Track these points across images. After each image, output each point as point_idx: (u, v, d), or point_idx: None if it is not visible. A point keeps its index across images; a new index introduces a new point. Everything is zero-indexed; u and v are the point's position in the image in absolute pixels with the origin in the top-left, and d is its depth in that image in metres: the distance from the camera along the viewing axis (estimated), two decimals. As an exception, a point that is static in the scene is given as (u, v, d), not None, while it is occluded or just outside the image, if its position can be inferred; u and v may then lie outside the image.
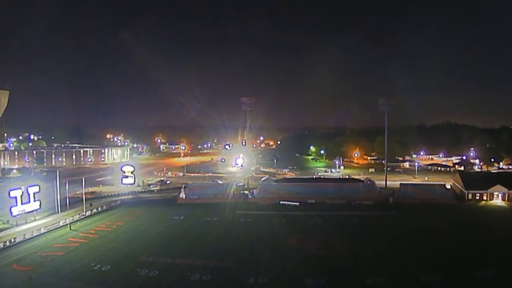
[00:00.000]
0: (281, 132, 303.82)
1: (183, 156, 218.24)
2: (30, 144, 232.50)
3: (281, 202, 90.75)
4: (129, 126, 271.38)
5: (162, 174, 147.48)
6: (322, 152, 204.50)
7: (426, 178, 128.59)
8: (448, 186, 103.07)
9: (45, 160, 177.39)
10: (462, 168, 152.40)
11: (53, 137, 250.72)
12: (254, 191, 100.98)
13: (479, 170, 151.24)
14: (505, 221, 76.18)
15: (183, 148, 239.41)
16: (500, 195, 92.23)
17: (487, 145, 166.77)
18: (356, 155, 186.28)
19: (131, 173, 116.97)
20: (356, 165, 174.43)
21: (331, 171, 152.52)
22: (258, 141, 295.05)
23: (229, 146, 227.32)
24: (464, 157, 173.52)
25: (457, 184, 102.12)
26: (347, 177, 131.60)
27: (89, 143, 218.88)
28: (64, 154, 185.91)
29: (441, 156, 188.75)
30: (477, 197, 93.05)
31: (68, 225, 70.83)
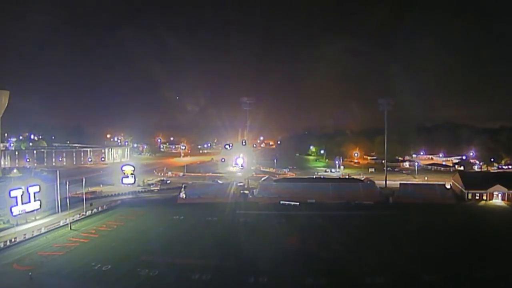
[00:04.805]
0: (281, 132, 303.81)
1: (183, 156, 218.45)
2: (31, 144, 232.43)
3: (281, 202, 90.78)
4: (129, 126, 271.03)
5: (162, 174, 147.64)
6: (322, 152, 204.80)
7: (426, 178, 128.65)
8: (448, 186, 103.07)
9: (45, 160, 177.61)
10: (462, 168, 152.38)
11: (53, 137, 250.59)
12: (254, 191, 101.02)
13: (479, 170, 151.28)
14: (505, 221, 76.29)
15: (183, 148, 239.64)
16: (500, 195, 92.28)
17: (487, 145, 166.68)
18: (356, 155, 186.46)
19: (131, 173, 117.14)
20: (356, 165, 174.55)
21: (331, 171, 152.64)
22: (258, 141, 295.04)
23: (229, 146, 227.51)
24: (464, 157, 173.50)
25: (457, 184, 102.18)
26: (347, 177, 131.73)
27: (89, 143, 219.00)
28: (64, 154, 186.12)
29: (441, 156, 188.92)
30: (477, 197, 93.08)
31: (69, 225, 70.85)
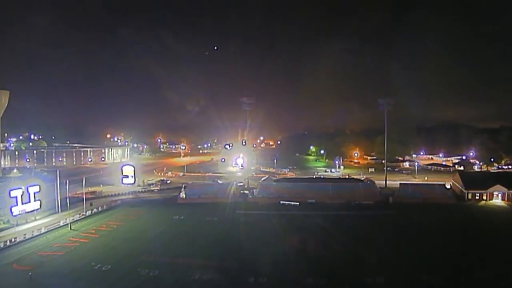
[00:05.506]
0: (281, 132, 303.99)
1: (183, 156, 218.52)
2: (31, 144, 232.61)
3: (281, 202, 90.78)
4: (129, 126, 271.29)
5: (162, 174, 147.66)
6: (322, 152, 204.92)
7: (426, 178, 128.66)
8: (448, 186, 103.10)
9: (45, 160, 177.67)
10: (462, 168, 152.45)
11: (53, 137, 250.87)
12: (254, 191, 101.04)
13: (479, 170, 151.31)
14: (505, 221, 76.27)
15: (183, 148, 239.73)
16: (499, 195, 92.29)
17: (487, 145, 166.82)
18: (356, 155, 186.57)
19: (131, 173, 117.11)
20: (356, 165, 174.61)
21: (331, 171, 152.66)
22: (258, 141, 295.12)
23: (229, 146, 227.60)
24: (464, 157, 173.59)
25: (457, 184, 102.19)
26: (347, 177, 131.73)
27: (89, 143, 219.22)
28: (64, 154, 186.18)
29: (441, 156, 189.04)
30: (477, 197, 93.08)
31: (69, 225, 70.88)
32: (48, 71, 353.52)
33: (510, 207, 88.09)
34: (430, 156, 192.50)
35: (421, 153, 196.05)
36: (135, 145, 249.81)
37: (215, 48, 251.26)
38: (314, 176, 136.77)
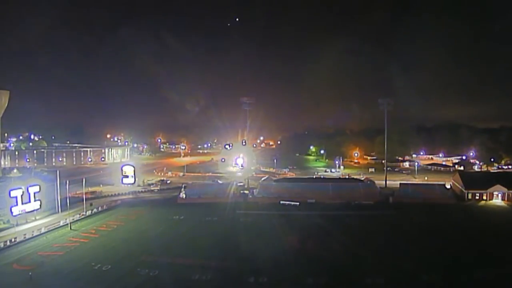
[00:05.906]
0: (281, 132, 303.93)
1: (183, 156, 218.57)
2: (31, 144, 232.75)
3: (281, 202, 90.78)
4: (129, 126, 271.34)
5: (162, 174, 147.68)
6: (322, 152, 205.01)
7: (426, 178, 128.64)
8: (448, 186, 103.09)
9: (45, 160, 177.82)
10: (462, 168, 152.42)
11: (53, 137, 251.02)
12: (254, 191, 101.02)
13: (479, 170, 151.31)
14: (505, 221, 76.27)
15: (183, 148, 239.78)
16: (500, 195, 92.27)
17: (487, 145, 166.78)
18: (356, 155, 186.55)
19: (131, 173, 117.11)
20: (356, 165, 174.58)
21: (331, 171, 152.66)
22: (258, 141, 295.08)
23: (229, 146, 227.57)
24: (464, 157, 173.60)
25: (457, 184, 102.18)
26: (347, 177, 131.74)
27: (89, 142, 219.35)
28: (64, 154, 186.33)
29: (441, 156, 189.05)
30: (477, 197, 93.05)
31: (69, 225, 70.87)
32: (48, 71, 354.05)
33: (510, 207, 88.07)
34: (430, 156, 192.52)
35: (421, 153, 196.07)
36: (135, 145, 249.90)
37: (237, 19, 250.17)
38: (314, 176, 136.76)
